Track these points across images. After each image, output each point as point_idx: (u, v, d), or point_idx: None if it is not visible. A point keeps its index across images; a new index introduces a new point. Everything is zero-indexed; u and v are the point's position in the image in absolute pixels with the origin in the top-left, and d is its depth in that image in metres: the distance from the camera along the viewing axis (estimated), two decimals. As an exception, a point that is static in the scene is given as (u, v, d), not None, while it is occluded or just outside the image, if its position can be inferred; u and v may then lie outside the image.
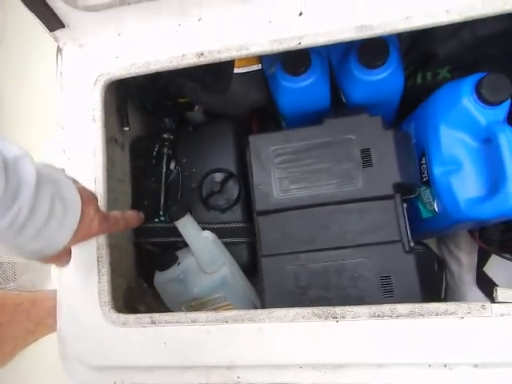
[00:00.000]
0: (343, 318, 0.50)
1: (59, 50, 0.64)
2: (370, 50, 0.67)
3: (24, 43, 0.96)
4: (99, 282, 0.59)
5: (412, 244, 0.68)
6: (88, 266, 0.59)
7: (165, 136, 0.81)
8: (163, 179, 0.80)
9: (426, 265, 0.67)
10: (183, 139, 0.83)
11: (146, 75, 0.68)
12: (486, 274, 0.83)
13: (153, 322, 0.56)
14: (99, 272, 0.59)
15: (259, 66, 0.78)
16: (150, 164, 0.83)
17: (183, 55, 0.59)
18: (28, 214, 0.39)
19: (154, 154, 0.82)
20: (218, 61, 0.58)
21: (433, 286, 0.71)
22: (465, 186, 0.65)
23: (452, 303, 0.49)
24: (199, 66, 0.75)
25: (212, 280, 0.71)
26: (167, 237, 0.77)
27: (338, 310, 0.50)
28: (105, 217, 0.54)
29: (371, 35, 0.58)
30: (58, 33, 0.61)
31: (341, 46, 0.72)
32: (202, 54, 0.58)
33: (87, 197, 0.50)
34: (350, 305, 0.61)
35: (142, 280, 0.80)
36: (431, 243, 0.96)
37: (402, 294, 0.62)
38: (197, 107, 0.90)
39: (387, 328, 0.49)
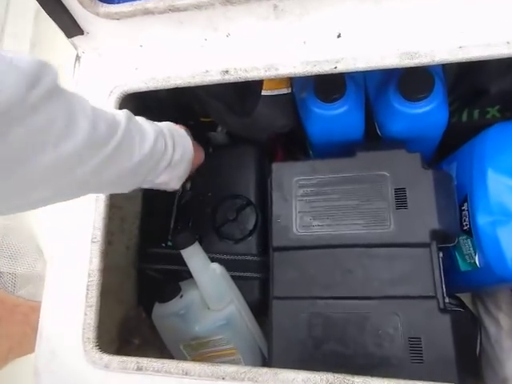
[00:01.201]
0: (364, 391, 0.41)
1: (78, 57, 0.60)
2: (413, 80, 0.60)
3: (55, 52, 0.92)
4: (85, 314, 0.52)
5: (447, 300, 0.59)
6: (76, 292, 0.53)
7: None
8: (176, 200, 0.74)
9: (464, 327, 0.58)
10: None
11: (169, 90, 0.64)
12: (528, 340, 0.73)
13: (139, 369, 0.49)
14: (86, 302, 0.52)
15: (289, 90, 0.73)
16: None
17: (207, 71, 0.54)
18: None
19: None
20: (243, 80, 0.52)
21: (470, 352, 0.61)
22: (514, 240, 0.56)
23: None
24: (225, 85, 0.70)
25: (216, 318, 0.63)
26: (173, 264, 0.71)
27: (359, 381, 0.42)
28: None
29: (417, 64, 0.51)
30: (76, 40, 0.58)
31: (379, 73, 0.67)
32: (227, 71, 0.53)
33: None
34: (370, 367, 0.53)
35: (141, 309, 0.73)
36: (464, 297, 0.86)
37: (433, 359, 0.53)
38: (219, 128, 0.85)
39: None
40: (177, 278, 0.71)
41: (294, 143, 0.86)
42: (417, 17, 0.51)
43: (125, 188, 0.50)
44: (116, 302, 0.70)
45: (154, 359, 0.49)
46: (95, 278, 0.53)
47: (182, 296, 0.66)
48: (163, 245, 0.74)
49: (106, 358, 0.50)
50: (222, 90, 0.70)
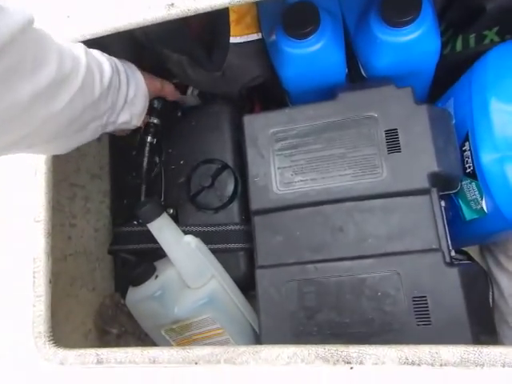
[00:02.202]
0: (361, 363, 0.34)
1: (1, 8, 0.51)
2: (397, 2, 0.51)
3: None
4: (34, 306, 0.45)
5: (453, 253, 0.52)
6: (23, 282, 0.46)
7: (149, 120, 0.67)
8: (144, 173, 0.66)
9: (474, 281, 0.51)
10: (170, 125, 0.70)
11: (129, 44, 0.56)
12: (545, 290, 0.66)
13: (99, 362, 0.41)
14: (34, 292, 0.45)
15: (259, 35, 0.64)
16: (130, 156, 0.70)
17: (149, 7, 0.45)
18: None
19: (137, 143, 0.69)
20: (193, 13, 0.44)
21: (483, 309, 0.55)
22: (525, 177, 0.49)
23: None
24: (186, 33, 0.61)
25: (197, 297, 0.56)
26: (147, 243, 0.63)
27: (353, 351, 0.35)
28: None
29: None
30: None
31: (358, 0, 0.58)
32: (172, 4, 0.44)
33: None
34: (370, 335, 0.46)
35: (119, 295, 0.66)
36: (472, 251, 0.80)
37: (442, 320, 0.46)
38: (190, 90, 0.77)
39: (426, 382, 0.33)
40: (154, 257, 0.64)
41: (272, 100, 0.78)
42: None
43: (91, 134, 0.50)
44: (88, 290, 0.63)
45: (114, 348, 0.42)
46: (41, 264, 0.46)
47: (157, 277, 0.59)
48: (135, 222, 0.66)
49: (61, 352, 0.43)
50: (184, 41, 0.61)
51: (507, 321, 0.70)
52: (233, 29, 0.62)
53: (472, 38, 0.60)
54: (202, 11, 0.44)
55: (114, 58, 0.52)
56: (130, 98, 0.54)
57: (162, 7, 0.44)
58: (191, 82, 0.71)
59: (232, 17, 0.60)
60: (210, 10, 0.44)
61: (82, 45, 0.46)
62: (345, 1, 0.60)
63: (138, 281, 0.58)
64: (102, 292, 0.66)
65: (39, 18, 0.49)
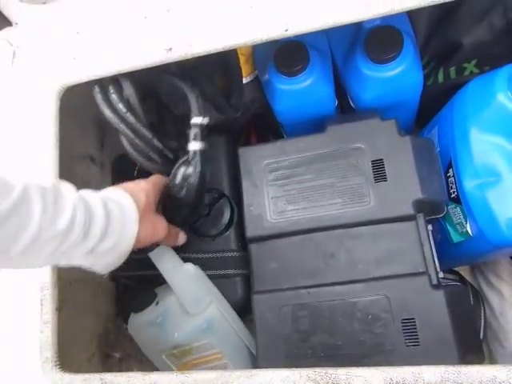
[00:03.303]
0: (349, 384, 0.37)
1: (14, 55, 0.55)
2: (380, 40, 0.55)
3: None
4: (41, 332, 0.47)
5: (441, 275, 0.54)
6: (32, 310, 0.48)
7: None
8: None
9: (461, 302, 0.53)
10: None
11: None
12: (534, 309, 0.68)
13: (103, 386, 0.44)
14: (41, 319, 0.47)
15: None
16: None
17: (150, 52, 0.49)
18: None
19: (135, 173, 0.72)
20: (189, 56, 0.47)
21: (473, 333, 0.57)
22: (505, 201, 0.52)
23: (502, 366, 0.35)
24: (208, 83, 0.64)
25: (196, 323, 0.58)
26: (147, 270, 0.66)
27: (342, 373, 0.37)
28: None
29: (376, 15, 0.46)
30: (8, 34, 0.52)
31: (345, 38, 0.62)
32: (171, 49, 0.47)
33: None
34: (362, 356, 0.49)
35: (121, 320, 0.69)
36: (464, 271, 0.82)
37: (430, 341, 0.49)
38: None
39: (411, 399, 0.36)
40: (154, 284, 0.66)
41: (268, 130, 0.81)
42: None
43: (33, 263, 0.40)
44: (91, 315, 0.66)
45: (118, 373, 0.45)
46: (48, 292, 0.48)
47: (157, 303, 0.61)
48: (136, 250, 0.69)
49: (68, 377, 0.45)
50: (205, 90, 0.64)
51: (499, 338, 0.72)
52: (244, 69, 0.66)
53: (452, 70, 0.64)
54: (197, 55, 0.48)
55: (101, 198, 0.44)
56: (100, 250, 0.43)
57: (161, 51, 0.48)
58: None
59: (242, 59, 0.64)
60: (204, 54, 0.47)
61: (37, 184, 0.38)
62: (332, 38, 0.64)
63: (140, 307, 0.60)
64: (105, 317, 0.68)
65: (48, 57, 0.53)
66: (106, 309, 0.69)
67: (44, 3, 0.48)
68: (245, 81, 0.67)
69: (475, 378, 0.34)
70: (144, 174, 0.72)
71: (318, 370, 0.38)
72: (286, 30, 0.45)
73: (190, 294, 0.59)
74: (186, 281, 0.59)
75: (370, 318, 0.50)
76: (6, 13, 0.50)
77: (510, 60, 0.54)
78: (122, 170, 0.74)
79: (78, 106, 0.62)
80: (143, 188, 0.52)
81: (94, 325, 0.66)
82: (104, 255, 0.44)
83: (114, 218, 0.44)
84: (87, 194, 0.44)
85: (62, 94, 0.51)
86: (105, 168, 0.76)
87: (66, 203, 0.39)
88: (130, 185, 0.52)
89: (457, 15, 0.57)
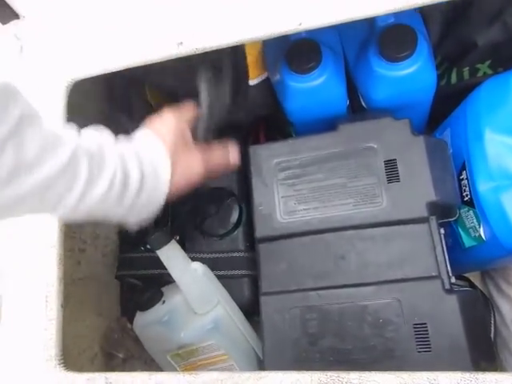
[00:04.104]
0: (362, 389, 0.36)
1: (21, 49, 0.54)
2: (394, 38, 0.54)
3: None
4: (45, 329, 0.46)
5: (453, 280, 0.53)
6: (36, 306, 0.47)
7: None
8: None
9: (474, 308, 0.52)
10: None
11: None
12: (546, 316, 0.67)
13: (108, 386, 0.43)
14: (46, 316, 0.47)
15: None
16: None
17: (160, 45, 0.48)
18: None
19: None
20: (201, 51, 0.46)
21: (486, 339, 0.56)
22: (521, 205, 0.50)
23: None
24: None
25: (203, 322, 0.57)
26: (153, 269, 0.65)
27: (354, 377, 0.36)
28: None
29: (391, 10, 0.44)
30: (16, 28, 0.52)
31: (357, 36, 0.61)
32: (182, 43, 0.47)
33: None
34: (372, 361, 0.47)
35: (125, 320, 0.68)
36: (473, 277, 0.80)
37: (442, 347, 0.47)
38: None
39: (425, 405, 0.35)
40: (160, 283, 0.65)
41: (276, 130, 0.80)
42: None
43: (74, 217, 0.41)
44: (95, 314, 0.65)
45: (123, 373, 0.44)
46: (54, 289, 0.47)
47: (164, 302, 0.60)
48: (142, 248, 0.68)
49: (71, 376, 0.44)
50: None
51: (509, 347, 0.70)
52: (251, 72, 0.65)
53: (466, 70, 0.63)
54: (208, 49, 0.47)
55: (131, 148, 0.45)
56: (135, 205, 0.44)
57: (172, 45, 0.47)
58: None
59: (249, 60, 0.63)
60: (216, 48, 0.46)
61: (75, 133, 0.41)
62: (345, 37, 0.63)
63: (146, 305, 0.59)
64: (109, 316, 0.67)
65: (56, 51, 0.52)
66: (109, 308, 0.68)
67: (54, -5, 0.47)
68: (251, 82, 0.66)
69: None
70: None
71: (329, 373, 0.37)
72: (300, 24, 0.44)
73: (197, 294, 0.58)
74: (193, 280, 0.58)
75: (380, 322, 0.49)
76: (14, 5, 0.49)
77: (526, 61, 0.53)
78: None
79: (83, 99, 0.61)
80: (172, 128, 0.49)
81: (98, 324, 0.65)
82: (138, 209, 0.45)
83: (146, 170, 0.44)
84: (127, 152, 0.44)
85: (71, 88, 0.51)
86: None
87: (107, 170, 0.40)
88: (157, 126, 0.49)
89: (470, 15, 0.56)
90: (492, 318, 0.72)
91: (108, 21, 0.51)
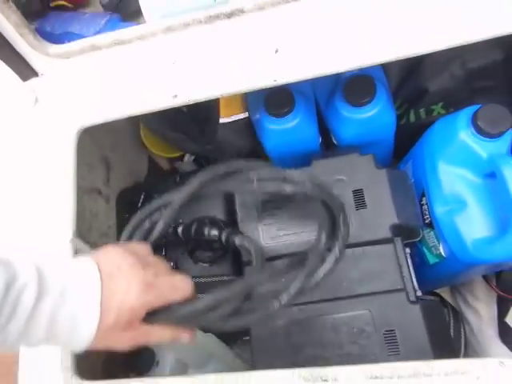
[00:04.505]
0: (335, 380, 0.42)
1: (36, 100, 0.62)
2: (356, 86, 0.64)
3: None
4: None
5: (419, 293, 0.61)
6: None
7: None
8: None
9: (437, 316, 0.59)
10: (170, 189, 0.79)
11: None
12: (508, 325, 0.74)
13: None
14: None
15: (246, 114, 0.76)
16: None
17: (158, 97, 0.56)
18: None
19: (139, 204, 0.78)
20: (193, 102, 0.55)
21: (448, 342, 0.62)
22: (471, 225, 0.59)
23: (464, 360, 0.41)
24: (183, 116, 0.73)
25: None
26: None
27: (329, 370, 0.43)
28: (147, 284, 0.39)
29: (354, 67, 0.54)
30: (32, 83, 0.60)
31: (326, 84, 0.70)
32: (176, 95, 0.55)
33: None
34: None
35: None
36: (444, 293, 0.88)
37: (410, 350, 0.54)
38: (186, 157, 0.88)
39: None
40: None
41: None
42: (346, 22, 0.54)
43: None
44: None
45: (136, 379, 0.49)
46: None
47: (158, 363, 0.64)
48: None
49: (89, 385, 0.50)
50: (181, 122, 0.73)
51: (479, 355, 0.77)
52: (222, 111, 0.74)
53: (422, 111, 0.72)
54: (199, 101, 0.55)
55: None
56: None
57: (168, 98, 0.56)
58: (188, 152, 0.82)
59: (222, 101, 0.72)
60: (205, 99, 0.55)
61: None
62: (316, 84, 0.72)
63: (141, 371, 0.62)
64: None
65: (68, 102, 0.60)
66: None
67: (68, 58, 0.55)
68: (222, 120, 0.75)
69: (441, 370, 0.40)
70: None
71: (308, 369, 0.43)
72: (275, 81, 0.53)
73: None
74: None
75: (354, 331, 0.56)
76: (33, 65, 0.57)
77: (471, 102, 0.62)
78: (126, 203, 0.81)
79: (87, 145, 0.69)
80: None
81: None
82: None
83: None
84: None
85: (81, 133, 0.58)
86: (110, 201, 0.82)
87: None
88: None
89: (423, 65, 0.66)
90: (462, 330, 0.79)
91: (112, 77, 0.60)
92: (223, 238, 0.60)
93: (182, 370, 0.63)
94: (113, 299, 0.37)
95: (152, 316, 0.40)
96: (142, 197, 0.78)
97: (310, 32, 0.54)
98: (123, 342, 0.40)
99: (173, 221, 0.57)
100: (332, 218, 0.50)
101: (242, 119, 0.76)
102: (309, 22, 0.53)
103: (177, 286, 0.43)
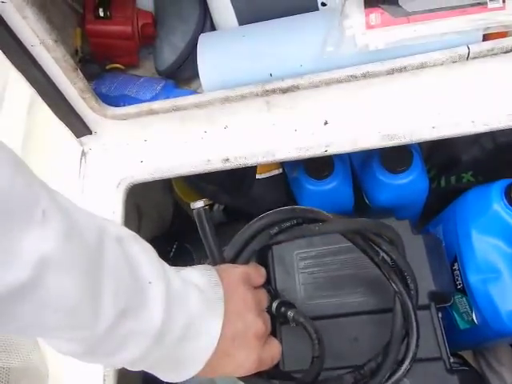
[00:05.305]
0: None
1: (83, 153, 0.65)
2: (394, 155, 0.66)
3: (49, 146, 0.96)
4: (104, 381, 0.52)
5: (452, 360, 0.61)
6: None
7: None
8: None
9: (472, 386, 0.59)
10: (199, 241, 0.81)
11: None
12: (534, 393, 0.74)
13: None
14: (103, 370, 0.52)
15: (280, 170, 0.79)
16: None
17: (208, 160, 0.59)
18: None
19: (171, 254, 0.79)
20: (243, 166, 0.57)
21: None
22: (506, 295, 0.60)
23: None
24: (222, 172, 0.75)
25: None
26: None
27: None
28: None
29: (395, 144, 0.58)
30: (84, 138, 0.62)
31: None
32: (228, 159, 0.58)
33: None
34: None
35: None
36: (466, 354, 0.88)
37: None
38: (216, 206, 0.90)
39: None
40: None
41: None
42: (394, 103, 0.57)
43: None
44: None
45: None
46: (111, 369, 0.54)
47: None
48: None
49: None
50: (218, 176, 0.75)
51: (502, 423, 0.77)
52: (259, 168, 0.77)
53: (453, 178, 0.75)
54: (248, 165, 0.58)
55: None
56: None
57: (219, 161, 0.58)
58: (220, 203, 0.84)
59: None
60: (255, 164, 0.57)
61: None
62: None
63: None
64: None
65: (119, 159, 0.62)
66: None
67: (124, 119, 0.58)
68: (258, 176, 0.78)
69: None
70: (179, 255, 0.80)
71: None
72: (326, 151, 0.55)
73: None
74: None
75: (392, 400, 0.56)
76: (89, 124, 0.60)
77: (500, 173, 0.65)
78: (158, 251, 0.82)
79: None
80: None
81: None
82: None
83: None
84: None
85: (129, 190, 0.60)
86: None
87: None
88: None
89: (455, 138, 0.69)
90: (486, 395, 0.78)
91: (165, 137, 0.62)
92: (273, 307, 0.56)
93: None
94: (225, 367, 0.40)
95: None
96: (175, 246, 0.79)
97: (357, 107, 0.57)
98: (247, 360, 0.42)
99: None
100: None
101: (276, 175, 0.78)
102: (357, 98, 0.57)
103: (276, 358, 0.46)
